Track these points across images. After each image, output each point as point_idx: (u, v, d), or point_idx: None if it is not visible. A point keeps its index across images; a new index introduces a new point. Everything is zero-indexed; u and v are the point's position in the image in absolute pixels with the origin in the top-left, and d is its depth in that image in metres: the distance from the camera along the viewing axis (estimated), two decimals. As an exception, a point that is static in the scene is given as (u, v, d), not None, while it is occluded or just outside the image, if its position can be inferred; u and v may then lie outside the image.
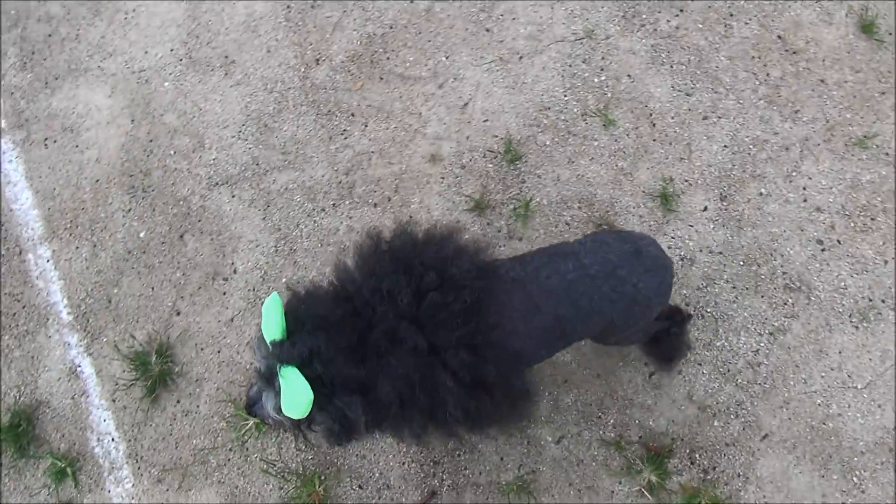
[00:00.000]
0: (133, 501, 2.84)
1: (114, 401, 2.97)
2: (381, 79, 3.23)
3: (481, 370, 1.96)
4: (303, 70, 3.31)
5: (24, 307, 3.14)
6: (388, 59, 3.26)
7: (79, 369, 3.03)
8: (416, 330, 1.90)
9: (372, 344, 1.90)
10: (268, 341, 1.85)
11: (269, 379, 1.90)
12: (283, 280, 3.00)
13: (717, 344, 2.74)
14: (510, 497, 2.67)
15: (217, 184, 3.19)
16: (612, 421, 2.72)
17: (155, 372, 2.94)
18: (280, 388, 1.81)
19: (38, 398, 3.02)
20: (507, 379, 2.06)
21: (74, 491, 2.89)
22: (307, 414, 1.80)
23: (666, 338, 2.51)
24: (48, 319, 3.11)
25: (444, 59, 3.22)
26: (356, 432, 1.98)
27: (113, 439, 2.93)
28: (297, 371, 1.79)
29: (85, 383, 3.01)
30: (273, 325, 1.84)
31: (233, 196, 3.16)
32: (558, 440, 2.72)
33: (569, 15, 3.20)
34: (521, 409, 2.20)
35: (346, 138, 3.17)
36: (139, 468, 2.88)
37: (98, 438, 2.94)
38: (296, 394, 1.77)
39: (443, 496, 2.70)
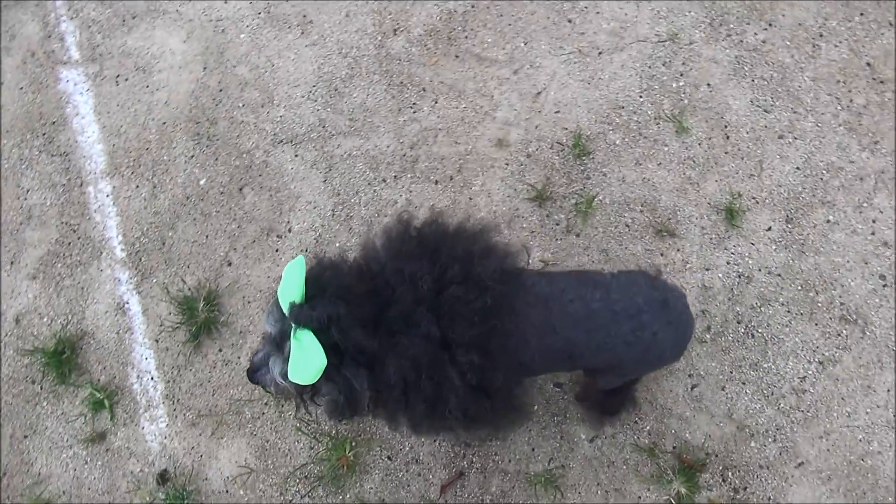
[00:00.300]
0: (165, 441, 2.90)
1: (157, 341, 3.02)
2: (457, 57, 3.22)
3: (489, 375, 1.95)
4: (379, 38, 3.31)
5: (79, 238, 3.20)
6: (466, 37, 3.25)
7: (126, 306, 3.08)
8: (431, 318, 1.89)
9: (386, 323, 1.89)
10: (285, 305, 1.84)
11: (279, 343, 1.89)
12: (337, 245, 3.02)
13: (764, 366, 2.72)
14: (536, 489, 2.69)
15: (282, 141, 3.21)
16: (648, 428, 2.72)
17: (200, 318, 2.98)
18: (290, 353, 1.80)
19: (84, 329, 3.07)
20: (510, 388, 2.05)
21: (110, 423, 2.95)
22: (315, 381, 1.80)
23: (618, 391, 2.46)
24: (101, 253, 3.16)
25: (522, 44, 3.20)
26: (359, 408, 1.97)
27: (152, 378, 2.98)
28: (313, 335, 1.78)
29: (131, 320, 3.06)
30: (293, 288, 1.83)
31: (296, 155, 3.18)
32: (592, 439, 2.73)
33: (654, 15, 3.16)
34: (515, 419, 2.18)
35: (414, 112, 3.17)
36: (175, 410, 2.93)
37: (138, 375, 2.99)
38: (308, 358, 1.76)
39: (470, 478, 2.72)
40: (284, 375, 1.85)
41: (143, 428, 2.93)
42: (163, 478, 2.86)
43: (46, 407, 3.00)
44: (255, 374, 2.01)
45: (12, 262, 3.19)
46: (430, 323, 1.88)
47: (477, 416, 2.04)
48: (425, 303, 1.89)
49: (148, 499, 2.83)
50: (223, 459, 2.85)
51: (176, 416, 2.93)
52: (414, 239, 2.02)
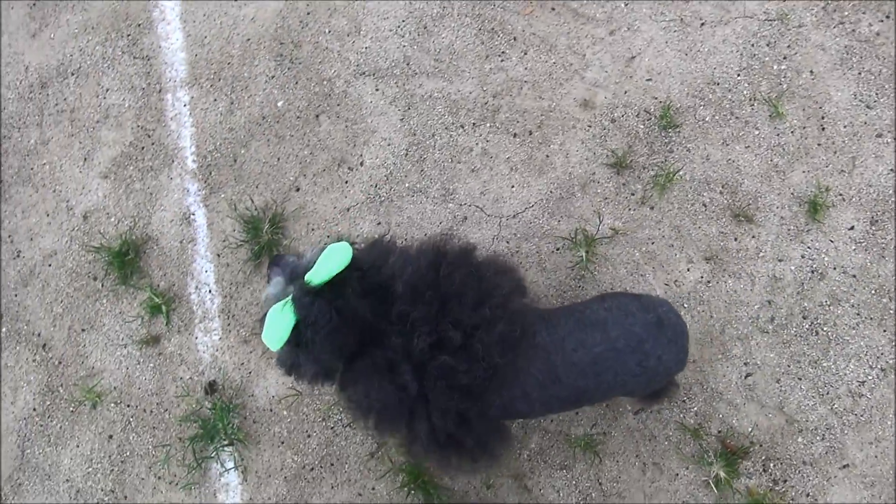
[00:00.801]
0: (217, 353, 2.97)
1: (218, 255, 3.06)
2: (553, 9, 3.14)
3: (461, 432, 1.97)
4: (475, -20, 3.24)
5: (153, 144, 3.22)
6: (565, -10, 3.16)
7: (192, 217, 3.12)
8: (412, 376, 1.89)
9: (370, 356, 1.91)
10: (307, 277, 1.85)
11: (291, 280, 1.92)
12: (407, 185, 3.02)
13: (824, 364, 2.69)
14: (575, 451, 2.72)
15: (364, 73, 3.18)
16: (695, 408, 2.72)
17: (264, 239, 3.01)
18: (267, 313, 1.83)
19: (149, 234, 3.13)
20: (485, 443, 2.07)
21: (165, 328, 3.02)
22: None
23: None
24: (173, 162, 3.19)
25: (622, 5, 3.10)
26: (318, 383, 2.01)
27: (210, 291, 3.03)
28: (292, 321, 1.81)
29: (195, 231, 3.11)
30: (323, 272, 1.83)
31: (376, 89, 3.15)
32: (637, 411, 2.74)
33: (764, -8, 3.04)
34: (488, 462, 2.18)
35: (502, 61, 3.11)
36: (229, 324, 2.99)
37: (196, 286, 3.05)
38: (275, 331, 1.80)
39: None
40: (268, 301, 1.92)
41: (196, 338, 3.00)
42: (211, 388, 2.94)
43: (106, 304, 3.08)
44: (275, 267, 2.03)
45: (85, 159, 3.24)
46: (411, 380, 1.89)
47: (444, 457, 2.07)
48: (413, 359, 1.89)
49: (195, 406, 2.91)
50: (270, 379, 2.92)
51: (229, 331, 2.99)
52: (431, 284, 1.95)
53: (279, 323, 1.80)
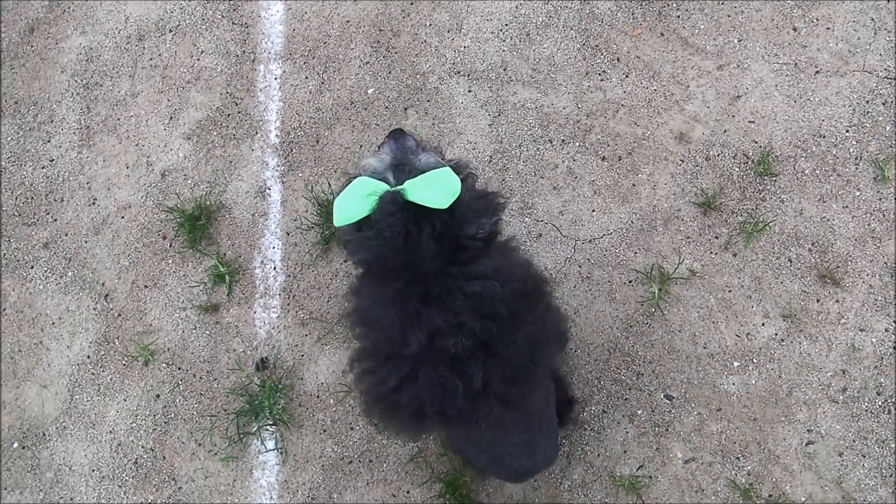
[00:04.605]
0: (273, 331, 3.04)
1: (288, 234, 3.13)
2: (662, 35, 3.12)
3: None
4: (586, -7, 3.23)
5: (239, 112, 3.31)
6: (678, 17, 3.13)
7: (268, 191, 3.19)
8: (423, 341, 1.80)
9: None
10: (406, 185, 1.73)
11: (398, 165, 1.82)
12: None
13: (892, 446, 2.65)
14: (618, 490, 2.72)
15: (459, 72, 3.20)
16: (749, 468, 2.70)
17: (334, 226, 3.06)
18: (361, 181, 1.75)
19: (223, 202, 3.21)
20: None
21: (225, 298, 3.11)
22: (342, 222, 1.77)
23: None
24: (256, 133, 3.27)
25: (735, 40, 3.07)
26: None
27: (275, 268, 3.11)
28: (365, 211, 1.72)
29: (269, 206, 3.18)
30: (422, 192, 1.71)
31: (469, 91, 3.17)
32: (687, 461, 2.73)
33: (891, 48, 2.97)
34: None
35: (602, 80, 3.11)
36: (289, 304, 3.06)
37: (262, 261, 3.13)
38: (347, 209, 1.72)
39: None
40: (365, 170, 1.83)
41: (255, 312, 3.08)
42: (262, 364, 3.02)
43: (171, 265, 3.18)
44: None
45: (171, 118, 3.34)
46: (416, 343, 1.79)
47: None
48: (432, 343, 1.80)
49: (244, 380, 3.00)
50: (322, 366, 2.98)
51: (288, 311, 3.06)
52: (503, 302, 1.85)
53: (355, 203, 1.72)
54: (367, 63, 3.27)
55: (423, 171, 1.75)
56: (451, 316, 1.78)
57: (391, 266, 1.79)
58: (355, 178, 1.78)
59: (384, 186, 1.74)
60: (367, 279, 1.95)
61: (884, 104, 2.91)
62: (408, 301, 1.80)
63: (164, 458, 2.98)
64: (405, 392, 1.87)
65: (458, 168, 1.86)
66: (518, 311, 1.87)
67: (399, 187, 1.73)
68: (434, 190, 1.71)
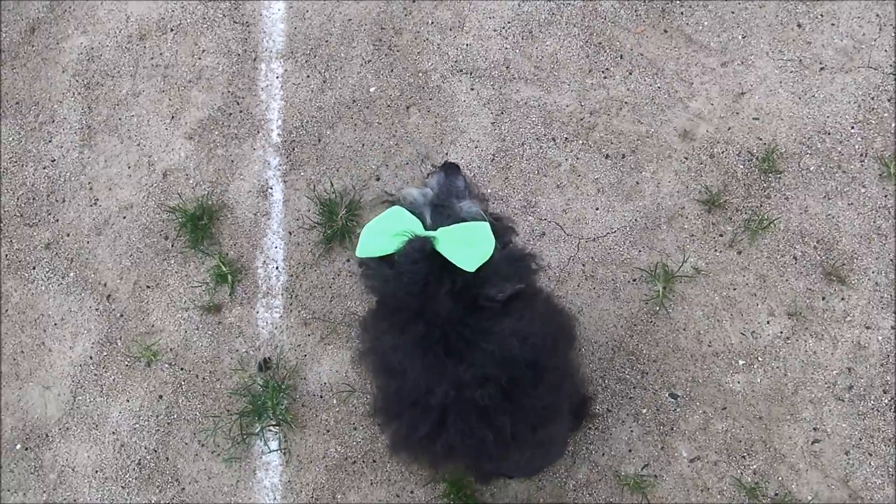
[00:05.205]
0: (275, 331, 3.04)
1: (290, 233, 3.13)
2: (666, 32, 3.12)
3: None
4: (589, -10, 3.22)
5: (241, 111, 3.30)
6: (681, 14, 3.13)
7: (270, 191, 3.19)
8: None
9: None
10: (439, 233, 1.72)
11: (438, 205, 1.80)
12: (489, 191, 3.04)
13: (899, 444, 2.65)
14: (623, 490, 2.72)
15: (461, 71, 3.20)
16: (754, 467, 2.70)
17: (338, 224, 3.07)
18: (395, 213, 1.74)
19: (225, 201, 3.21)
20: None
21: (228, 298, 3.11)
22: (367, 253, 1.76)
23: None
24: (258, 132, 3.27)
25: (740, 37, 3.06)
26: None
27: (277, 267, 3.11)
28: (391, 248, 1.71)
29: (270, 206, 3.18)
30: (450, 248, 1.70)
31: (471, 89, 3.17)
32: (692, 459, 2.73)
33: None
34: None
35: (605, 78, 3.10)
36: (291, 304, 3.06)
37: (264, 261, 3.12)
38: (375, 241, 1.72)
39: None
40: (400, 200, 1.83)
41: (257, 312, 3.08)
42: (265, 365, 3.02)
43: (173, 265, 3.18)
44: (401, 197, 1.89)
45: (173, 117, 3.34)
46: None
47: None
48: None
49: (247, 380, 3.00)
50: (325, 365, 2.98)
51: (291, 311, 3.06)
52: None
53: (382, 238, 1.71)
54: (369, 61, 3.27)
55: (462, 220, 1.73)
56: (476, 369, 1.78)
57: (404, 307, 1.79)
58: (393, 204, 1.76)
59: (417, 225, 1.72)
60: (381, 314, 1.93)
61: (889, 100, 2.91)
62: (430, 351, 1.78)
63: (168, 458, 2.98)
64: (438, 440, 1.88)
65: (497, 227, 1.83)
66: (540, 362, 1.87)
67: (432, 233, 1.71)
68: (465, 249, 1.68)
